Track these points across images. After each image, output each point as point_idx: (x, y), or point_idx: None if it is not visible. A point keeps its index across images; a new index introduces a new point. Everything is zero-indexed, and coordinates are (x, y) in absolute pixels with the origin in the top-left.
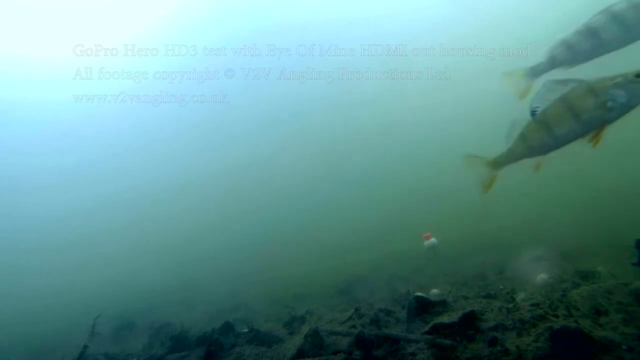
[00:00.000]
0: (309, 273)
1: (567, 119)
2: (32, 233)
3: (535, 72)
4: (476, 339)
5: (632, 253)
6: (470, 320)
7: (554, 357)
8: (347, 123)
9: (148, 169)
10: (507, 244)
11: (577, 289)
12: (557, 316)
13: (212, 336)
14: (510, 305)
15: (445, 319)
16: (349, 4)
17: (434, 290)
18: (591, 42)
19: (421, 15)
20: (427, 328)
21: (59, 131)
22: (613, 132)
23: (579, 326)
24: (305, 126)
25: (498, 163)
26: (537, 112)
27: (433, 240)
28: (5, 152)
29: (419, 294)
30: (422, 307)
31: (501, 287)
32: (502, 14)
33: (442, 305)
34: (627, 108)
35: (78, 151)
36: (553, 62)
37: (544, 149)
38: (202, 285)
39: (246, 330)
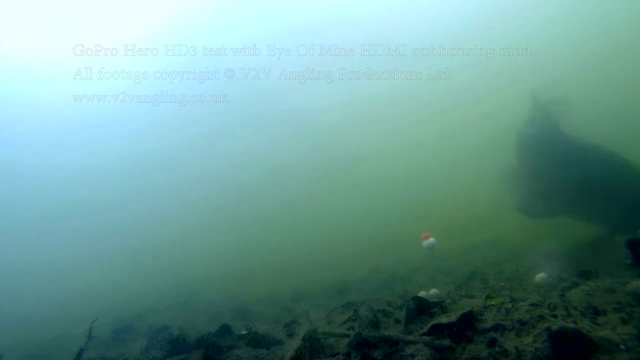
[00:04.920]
0: (308, 274)
1: None
2: (30, 233)
3: None
4: (475, 340)
5: (626, 253)
6: (468, 320)
7: (553, 358)
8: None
9: (147, 171)
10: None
11: (575, 289)
12: (555, 316)
13: (209, 339)
14: (509, 306)
15: (443, 319)
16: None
17: (434, 290)
18: None
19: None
20: (425, 329)
21: (59, 130)
22: None
23: (577, 327)
24: (310, 130)
25: None
26: None
27: (432, 240)
28: (5, 151)
29: (419, 294)
30: (421, 308)
31: (502, 284)
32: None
33: (440, 305)
34: None
35: (77, 151)
36: None
37: None
38: (200, 287)
39: (245, 332)
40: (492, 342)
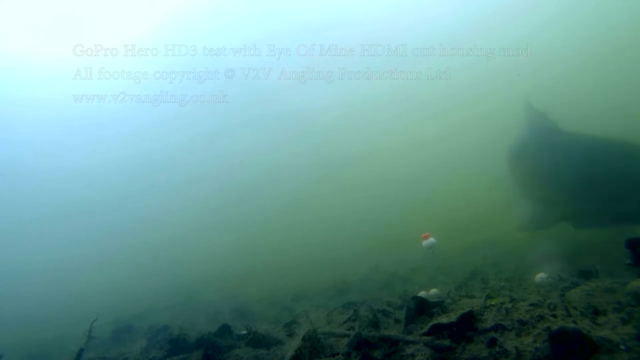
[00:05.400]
0: (308, 274)
1: None
2: (30, 233)
3: None
4: (475, 340)
5: (625, 253)
6: (468, 320)
7: (553, 358)
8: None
9: (147, 171)
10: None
11: (575, 289)
12: (555, 316)
13: (209, 339)
14: (509, 306)
15: (443, 319)
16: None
17: (434, 290)
18: None
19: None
20: (425, 329)
21: (59, 130)
22: None
23: (577, 327)
24: (310, 130)
25: None
26: None
27: (432, 240)
28: (5, 151)
29: (419, 294)
30: (421, 308)
31: (502, 284)
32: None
33: (440, 305)
34: None
35: (77, 151)
36: None
37: None
38: (200, 287)
39: (244, 332)
40: (492, 342)
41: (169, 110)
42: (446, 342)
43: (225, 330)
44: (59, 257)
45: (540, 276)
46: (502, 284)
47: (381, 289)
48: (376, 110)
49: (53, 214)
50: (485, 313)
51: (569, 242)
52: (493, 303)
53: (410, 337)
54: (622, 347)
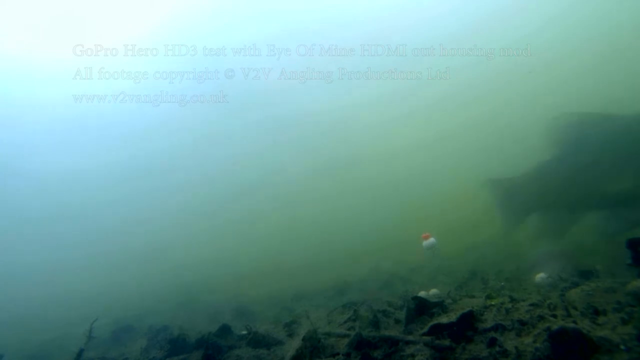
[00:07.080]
0: (308, 274)
1: None
2: (31, 234)
3: None
4: (475, 340)
5: (625, 253)
6: (468, 320)
7: (553, 358)
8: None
9: (148, 173)
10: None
11: (575, 289)
12: (555, 316)
13: (210, 339)
14: (509, 306)
15: (444, 319)
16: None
17: (434, 290)
18: None
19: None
20: (425, 329)
21: (59, 130)
22: None
23: (577, 326)
24: (311, 131)
25: None
26: None
27: (432, 240)
28: (5, 151)
29: (419, 294)
30: (421, 308)
31: (502, 284)
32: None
33: (440, 305)
34: None
35: (78, 152)
36: None
37: None
38: (200, 287)
39: (245, 332)
40: (492, 342)
41: (169, 111)
42: (446, 342)
43: (225, 330)
44: (59, 258)
45: (540, 276)
46: (502, 284)
47: (381, 289)
48: (376, 111)
49: (53, 214)
50: (485, 313)
51: (569, 242)
52: (493, 303)
53: (410, 337)
54: (622, 347)
